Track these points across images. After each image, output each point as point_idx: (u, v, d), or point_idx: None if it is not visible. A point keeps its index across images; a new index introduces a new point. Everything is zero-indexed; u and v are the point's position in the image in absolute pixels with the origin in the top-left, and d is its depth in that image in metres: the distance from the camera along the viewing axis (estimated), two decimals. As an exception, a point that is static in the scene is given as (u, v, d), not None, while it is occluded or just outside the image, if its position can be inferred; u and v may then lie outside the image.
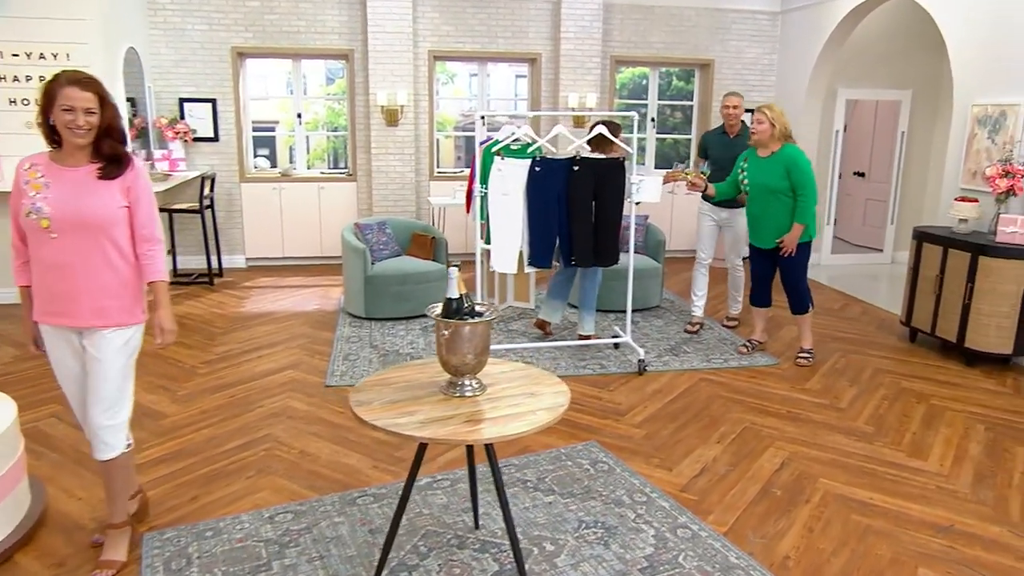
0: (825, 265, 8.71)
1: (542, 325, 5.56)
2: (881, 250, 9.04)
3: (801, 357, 5.19)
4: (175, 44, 7.50)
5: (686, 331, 5.86)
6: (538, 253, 4.90)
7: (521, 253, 4.91)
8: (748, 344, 5.40)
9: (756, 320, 5.43)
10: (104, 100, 2.57)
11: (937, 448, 3.92)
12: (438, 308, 2.63)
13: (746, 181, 5.01)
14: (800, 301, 5.12)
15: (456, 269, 2.57)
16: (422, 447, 2.63)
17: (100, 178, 2.58)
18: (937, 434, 4.09)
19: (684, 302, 6.70)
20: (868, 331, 6.04)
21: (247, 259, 8.12)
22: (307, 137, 8.67)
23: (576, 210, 4.82)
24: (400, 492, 3.32)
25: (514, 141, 4.94)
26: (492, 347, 5.10)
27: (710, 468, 3.63)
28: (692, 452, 3.80)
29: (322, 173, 8.49)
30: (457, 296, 2.58)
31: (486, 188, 4.75)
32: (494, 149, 4.83)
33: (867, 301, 7.03)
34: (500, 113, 9.75)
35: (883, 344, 5.70)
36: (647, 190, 4.90)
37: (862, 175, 9.55)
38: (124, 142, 2.67)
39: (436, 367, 2.78)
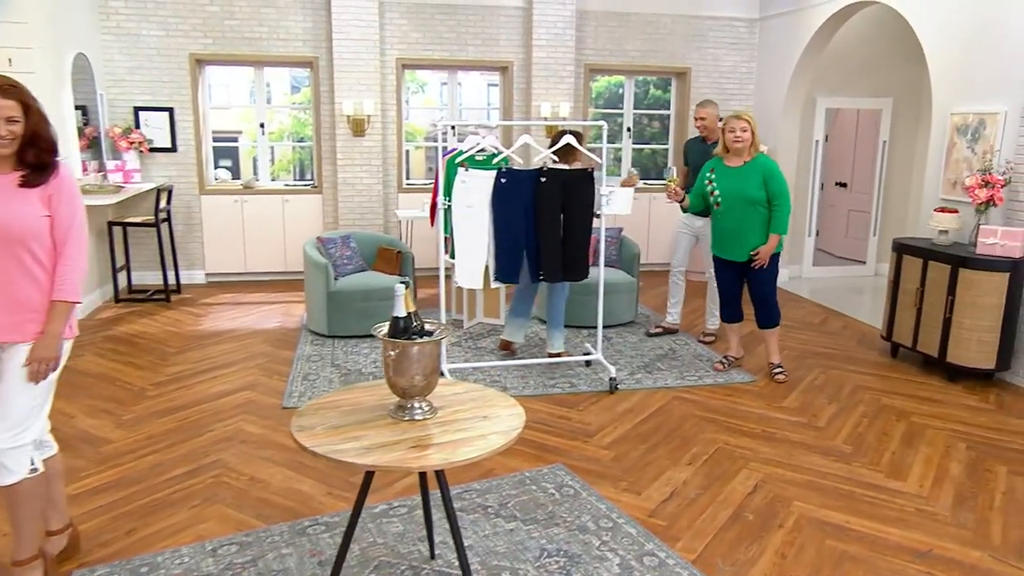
0: (806, 278, 8.73)
1: (506, 346, 5.52)
2: (864, 262, 9.09)
3: (778, 372, 5.18)
4: (129, 50, 7.41)
5: (647, 333, 6.06)
6: (505, 268, 4.85)
7: (487, 268, 4.86)
8: (724, 360, 5.38)
9: (730, 336, 5.41)
10: (28, 107, 2.50)
11: (917, 468, 3.89)
12: (385, 327, 2.57)
13: (716, 192, 4.96)
14: (771, 314, 5.11)
15: (403, 286, 2.51)
16: (370, 474, 2.56)
17: (21, 186, 2.51)
18: (917, 453, 4.07)
19: (660, 317, 6.65)
20: (849, 346, 6.04)
21: (207, 274, 8.00)
22: (272, 148, 8.59)
23: (544, 223, 4.78)
24: (353, 521, 3.25)
25: (479, 151, 4.90)
26: (459, 365, 5.06)
27: (680, 492, 3.58)
28: (662, 475, 3.75)
29: (286, 185, 8.42)
30: (404, 314, 2.52)
31: (450, 200, 4.70)
32: (458, 160, 4.79)
33: (848, 315, 7.04)
34: (471, 123, 9.76)
35: (864, 359, 5.70)
36: (617, 202, 4.87)
37: (844, 185, 9.60)
38: (53, 151, 2.59)
39: (386, 389, 2.72)
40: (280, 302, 7.21)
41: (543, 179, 4.73)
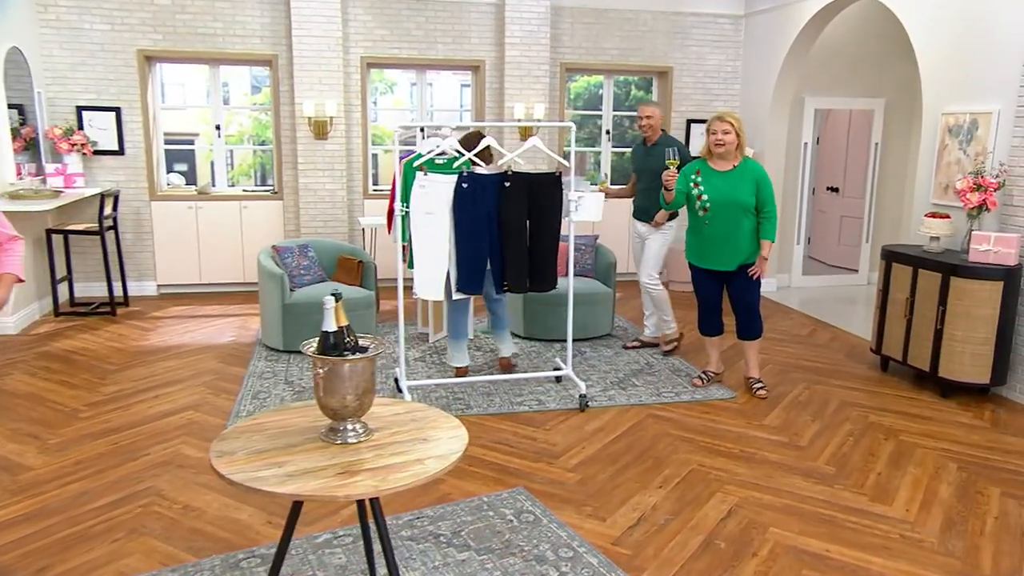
0: (796, 287, 8.69)
1: (463, 373, 5.37)
2: (856, 270, 9.06)
3: (759, 388, 5.13)
4: (71, 45, 7.29)
5: (624, 346, 6.15)
6: (467, 278, 4.76)
7: (448, 277, 4.77)
8: (704, 376, 5.32)
9: (710, 350, 5.35)
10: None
11: (904, 491, 3.82)
12: (314, 343, 2.47)
13: (704, 197, 4.84)
14: (755, 324, 5.08)
15: (333, 299, 2.41)
16: (298, 504, 2.46)
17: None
18: (905, 475, 4.00)
19: (639, 329, 6.60)
20: (837, 360, 5.98)
21: (159, 286, 7.88)
22: (231, 151, 8.47)
23: (508, 230, 4.71)
24: (293, 551, 3.13)
25: (440, 155, 4.82)
26: (420, 382, 4.97)
27: (648, 517, 3.49)
28: (630, 499, 3.66)
29: (244, 191, 8.30)
30: (335, 329, 2.42)
31: (408, 207, 4.62)
32: (416, 163, 4.71)
33: (838, 327, 6.99)
34: (436, 125, 9.67)
35: (852, 374, 5.64)
36: (587, 207, 4.81)
37: (836, 190, 9.60)
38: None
39: (320, 410, 2.62)
40: (236, 315, 7.09)
41: (507, 183, 4.65)
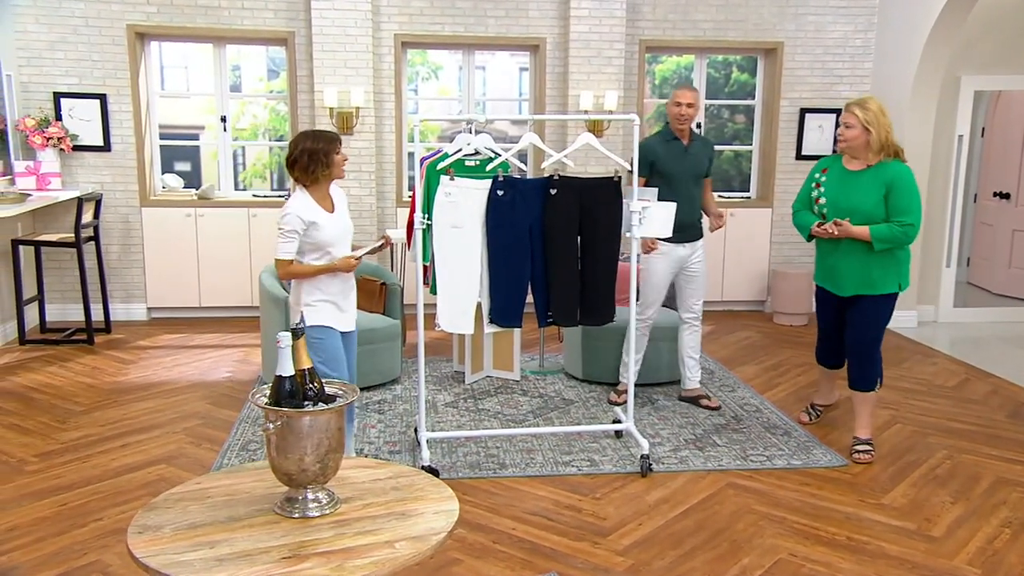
0: (945, 323, 8.38)
1: None
2: (1032, 302, 8.74)
3: (861, 450, 5.02)
4: (48, 19, 7.53)
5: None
6: (503, 307, 4.75)
7: (480, 306, 4.77)
8: (810, 411, 5.57)
9: (821, 380, 5.55)
10: None
11: (1069, 602, 3.60)
12: (266, 392, 2.47)
13: (822, 201, 4.91)
14: (864, 372, 5.00)
15: (289, 335, 2.40)
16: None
17: None
18: (1075, 580, 3.76)
19: (728, 372, 6.49)
20: (995, 420, 5.72)
21: (149, 309, 8.10)
22: (242, 148, 8.68)
23: (555, 248, 4.71)
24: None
25: (471, 155, 4.82)
26: (447, 434, 4.98)
27: (714, 622, 3.37)
28: (692, 597, 3.55)
29: (255, 196, 8.47)
30: (290, 373, 2.41)
31: (430, 219, 4.64)
32: (441, 165, 4.72)
33: (1001, 376, 6.69)
34: (500, 118, 9.74)
35: (1015, 440, 5.37)
36: (654, 220, 4.74)
37: (1007, 197, 9.31)
38: None
39: (277, 474, 2.61)
40: (238, 345, 7.23)
41: (553, 190, 4.65)
